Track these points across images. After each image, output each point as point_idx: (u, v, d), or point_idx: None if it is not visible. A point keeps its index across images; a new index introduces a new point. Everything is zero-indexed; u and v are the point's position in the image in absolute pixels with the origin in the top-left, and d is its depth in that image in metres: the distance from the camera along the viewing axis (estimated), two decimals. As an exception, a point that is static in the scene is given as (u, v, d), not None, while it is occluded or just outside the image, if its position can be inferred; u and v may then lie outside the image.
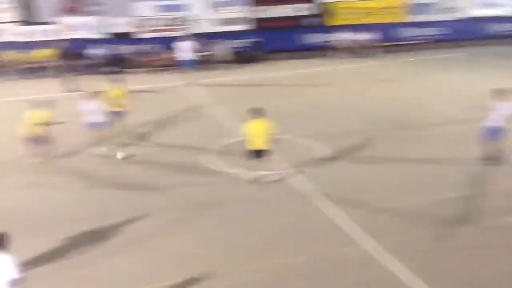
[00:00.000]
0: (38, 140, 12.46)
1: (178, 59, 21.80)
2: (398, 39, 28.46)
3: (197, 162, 12.72)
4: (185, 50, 21.47)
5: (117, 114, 14.13)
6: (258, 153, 11.08)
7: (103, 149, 13.45)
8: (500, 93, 11.62)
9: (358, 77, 22.39)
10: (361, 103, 17.86)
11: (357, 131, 14.70)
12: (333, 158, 12.80)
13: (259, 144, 10.95)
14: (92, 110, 13.15)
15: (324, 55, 27.16)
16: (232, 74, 23.68)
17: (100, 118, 13.24)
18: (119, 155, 13.12)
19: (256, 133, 10.92)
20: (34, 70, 23.81)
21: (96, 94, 13.30)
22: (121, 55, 25.38)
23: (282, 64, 25.52)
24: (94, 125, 13.24)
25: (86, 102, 13.21)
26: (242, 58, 26.18)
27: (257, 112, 11.00)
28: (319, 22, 27.72)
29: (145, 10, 25.62)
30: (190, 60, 21.39)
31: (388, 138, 14.14)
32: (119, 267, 8.47)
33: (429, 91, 19.23)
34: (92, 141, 13.50)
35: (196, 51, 21.96)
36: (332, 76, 22.83)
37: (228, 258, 8.62)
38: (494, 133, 11.76)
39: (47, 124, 12.49)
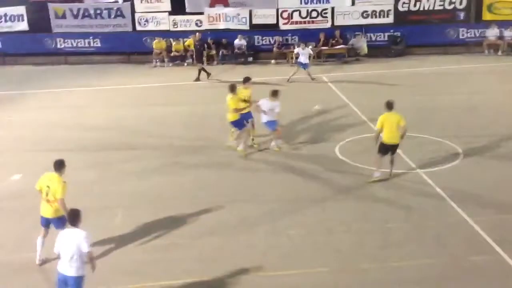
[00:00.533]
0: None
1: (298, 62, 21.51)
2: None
3: (333, 155, 12.78)
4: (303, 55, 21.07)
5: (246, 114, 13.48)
6: (390, 147, 11.00)
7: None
8: None
9: (506, 76, 20.90)
10: (508, 104, 16.71)
11: (500, 134, 13.83)
12: (469, 159, 12.19)
13: (392, 138, 10.88)
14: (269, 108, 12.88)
15: (471, 52, 25.74)
16: (373, 67, 23.22)
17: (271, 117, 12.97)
18: (274, 144, 13.32)
19: (390, 126, 10.82)
20: (179, 58, 25.14)
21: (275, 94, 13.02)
22: (263, 47, 26.01)
23: (423, 60, 24.55)
24: (268, 124, 13.00)
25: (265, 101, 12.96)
26: (383, 52, 25.60)
27: (389, 105, 10.98)
28: (467, 17, 26.24)
29: (289, 1, 25.87)
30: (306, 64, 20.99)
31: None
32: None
33: None
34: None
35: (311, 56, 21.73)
36: (478, 74, 21.56)
37: (352, 256, 8.58)
38: None
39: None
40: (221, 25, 25.85)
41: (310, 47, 22.35)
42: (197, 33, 22.93)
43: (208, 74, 21.54)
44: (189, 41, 23.37)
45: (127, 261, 8.47)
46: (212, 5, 25.90)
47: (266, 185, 11.33)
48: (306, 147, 13.46)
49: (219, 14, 25.76)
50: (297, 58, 21.77)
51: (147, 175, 11.89)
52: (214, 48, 25.23)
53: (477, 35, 26.01)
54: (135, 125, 15.66)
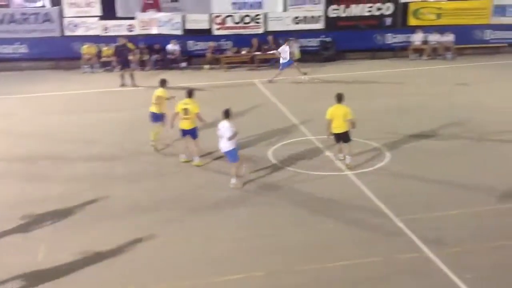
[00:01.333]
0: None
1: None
2: (475, 42, 27.42)
3: (265, 157, 12.93)
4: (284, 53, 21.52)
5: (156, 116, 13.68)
6: (340, 136, 12.06)
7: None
8: None
9: (433, 79, 21.85)
10: (435, 105, 17.44)
11: (427, 134, 14.44)
12: (395, 160, 12.63)
13: (338, 128, 11.89)
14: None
15: (398, 56, 26.72)
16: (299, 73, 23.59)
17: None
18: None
19: (337, 117, 11.83)
20: (109, 64, 24.72)
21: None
22: (196, 52, 25.97)
23: (353, 65, 25.28)
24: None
25: None
26: (315, 57, 26.12)
27: (338, 98, 11.96)
28: (394, 22, 27.21)
29: (222, 7, 25.94)
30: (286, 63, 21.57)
31: (458, 142, 13.79)
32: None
33: (505, 97, 18.47)
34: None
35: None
36: (406, 77, 22.39)
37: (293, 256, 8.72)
38: None
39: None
40: (154, 30, 25.57)
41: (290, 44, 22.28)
42: (119, 38, 22.54)
43: (132, 80, 21.43)
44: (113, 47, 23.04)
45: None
46: (144, 10, 25.59)
47: (199, 189, 11.32)
48: (239, 151, 13.49)
49: (152, 19, 25.50)
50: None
51: (74, 183, 11.66)
52: (147, 53, 24.98)
53: (403, 40, 27.02)
54: (66, 133, 15.29)
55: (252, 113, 17.01)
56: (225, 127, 11.03)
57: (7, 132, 15.45)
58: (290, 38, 25.39)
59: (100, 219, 10.03)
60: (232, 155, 11.28)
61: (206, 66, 25.11)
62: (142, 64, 24.78)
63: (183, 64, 25.25)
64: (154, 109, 13.58)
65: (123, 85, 21.30)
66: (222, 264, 8.46)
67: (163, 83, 13.92)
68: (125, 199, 10.92)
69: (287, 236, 9.32)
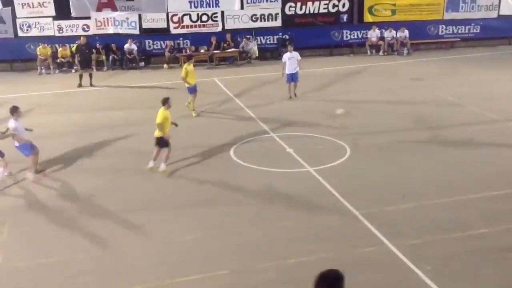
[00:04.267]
0: None
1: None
2: (430, 37, 28.08)
3: (227, 155, 12.92)
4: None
5: None
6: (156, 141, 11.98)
7: None
8: None
9: (388, 75, 22.24)
10: (391, 101, 17.78)
11: (384, 130, 14.69)
12: (355, 155, 12.84)
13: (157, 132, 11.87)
14: None
15: (356, 52, 27.11)
16: (264, 70, 23.72)
17: None
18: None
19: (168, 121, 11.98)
20: (66, 65, 24.28)
21: None
22: (155, 51, 25.75)
23: (311, 62, 25.48)
24: None
25: None
26: (274, 54, 26.25)
27: (163, 101, 12.00)
28: (350, 19, 27.59)
29: (179, 5, 25.76)
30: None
31: (414, 137, 14.09)
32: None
33: (459, 91, 18.95)
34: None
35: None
36: (362, 73, 22.75)
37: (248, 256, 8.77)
38: None
39: None
40: (110, 30, 25.26)
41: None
42: (81, 37, 22.20)
43: (90, 79, 21.20)
44: (75, 46, 22.60)
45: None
46: (99, 9, 25.17)
47: (161, 191, 11.27)
48: (201, 151, 13.51)
49: (107, 19, 25.14)
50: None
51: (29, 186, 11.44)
52: (104, 53, 24.63)
53: (360, 36, 27.44)
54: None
55: (214, 111, 17.02)
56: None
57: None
58: (248, 36, 25.56)
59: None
60: None
61: (165, 66, 24.92)
62: (100, 64, 24.41)
63: (142, 64, 25.02)
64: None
65: (80, 85, 20.94)
66: (183, 265, 8.41)
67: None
68: (82, 202, 10.78)
69: (249, 235, 9.34)
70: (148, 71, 24.28)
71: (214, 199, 10.82)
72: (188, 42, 25.59)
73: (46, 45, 24.04)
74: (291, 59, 17.83)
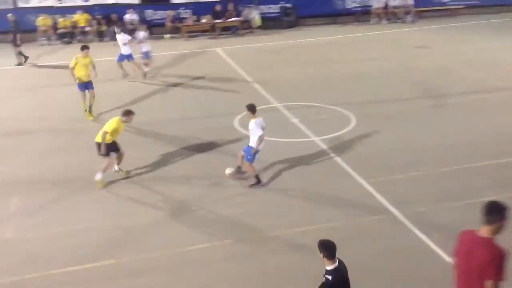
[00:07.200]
0: None
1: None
2: (434, 4, 27.69)
3: (231, 126, 12.89)
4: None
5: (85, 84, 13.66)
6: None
7: None
8: None
9: (392, 43, 21.99)
10: (395, 69, 17.64)
11: (390, 99, 14.60)
12: (361, 124, 12.78)
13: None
14: None
15: (359, 21, 26.73)
16: (266, 39, 23.45)
17: None
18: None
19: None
20: (67, 35, 24.04)
21: None
22: (155, 21, 25.45)
23: (314, 30, 25.23)
24: None
25: None
26: (276, 23, 25.94)
27: (125, 113, 10.44)
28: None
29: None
30: None
31: (420, 105, 14.02)
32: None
33: (464, 58, 18.78)
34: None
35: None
36: (366, 42, 22.51)
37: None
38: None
39: None
40: (110, 0, 24.92)
41: None
42: (9, 14, 21.82)
43: (26, 58, 20.46)
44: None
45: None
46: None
47: (161, 161, 11.27)
48: (205, 121, 13.47)
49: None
50: None
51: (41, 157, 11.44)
52: (105, 24, 24.34)
53: (364, 4, 27.02)
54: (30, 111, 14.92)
55: (216, 82, 16.88)
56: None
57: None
58: (250, 5, 25.25)
59: None
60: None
61: (167, 36, 24.64)
62: (100, 35, 24.16)
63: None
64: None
65: (20, 63, 20.19)
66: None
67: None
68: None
69: (253, 205, 9.40)
70: (149, 42, 23.95)
71: (218, 170, 10.77)
72: (189, 11, 25.25)
73: (46, 15, 23.73)
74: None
